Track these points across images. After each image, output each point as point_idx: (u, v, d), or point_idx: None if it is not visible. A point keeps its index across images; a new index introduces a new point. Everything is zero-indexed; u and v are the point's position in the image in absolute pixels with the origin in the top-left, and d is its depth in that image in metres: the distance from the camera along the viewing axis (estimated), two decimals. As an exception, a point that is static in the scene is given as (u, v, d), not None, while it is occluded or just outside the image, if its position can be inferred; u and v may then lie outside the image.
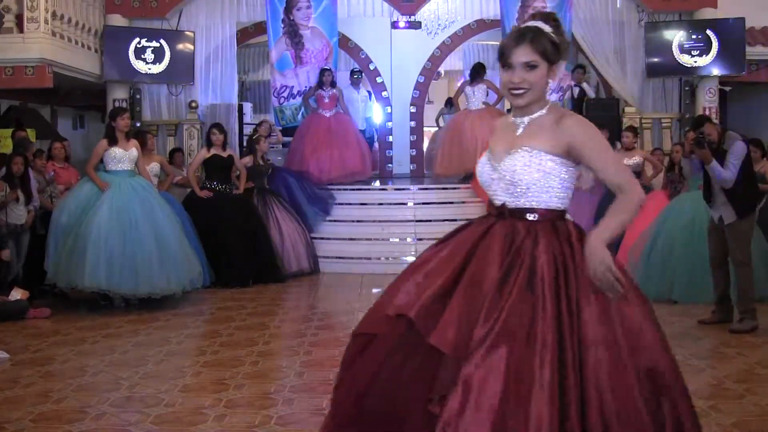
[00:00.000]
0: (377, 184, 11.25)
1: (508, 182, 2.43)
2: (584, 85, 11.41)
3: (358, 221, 10.01)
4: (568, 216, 2.49)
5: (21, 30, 8.70)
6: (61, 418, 4.08)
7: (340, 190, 10.16)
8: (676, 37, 10.40)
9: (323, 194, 9.98)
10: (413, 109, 13.20)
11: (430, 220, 9.81)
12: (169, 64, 10.47)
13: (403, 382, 2.33)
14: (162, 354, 5.51)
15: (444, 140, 10.97)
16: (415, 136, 13.25)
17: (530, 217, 2.41)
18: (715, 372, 4.93)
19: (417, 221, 9.88)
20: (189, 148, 10.52)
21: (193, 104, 10.74)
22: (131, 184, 7.17)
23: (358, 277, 8.81)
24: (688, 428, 2.29)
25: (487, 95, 10.75)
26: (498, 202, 2.48)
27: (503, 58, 2.46)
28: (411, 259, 8.30)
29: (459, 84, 12.99)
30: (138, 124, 10.14)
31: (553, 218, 2.43)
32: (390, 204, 10.43)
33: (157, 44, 10.42)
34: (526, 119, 2.49)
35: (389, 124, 13.12)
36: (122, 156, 7.24)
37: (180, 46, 10.61)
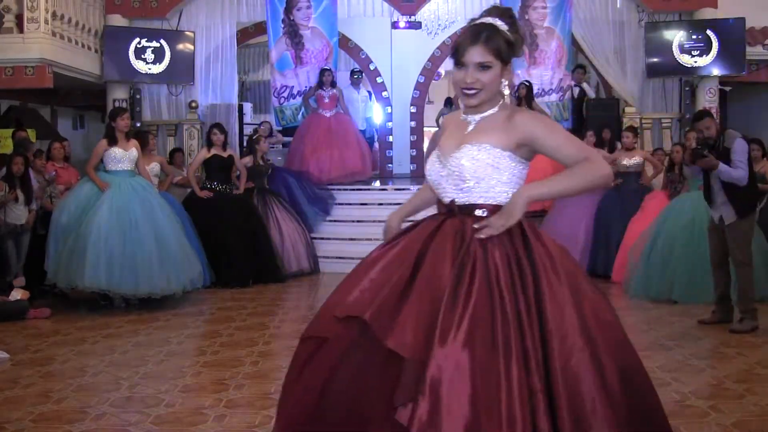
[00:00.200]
0: (377, 184, 11.25)
1: (456, 178, 2.40)
2: (584, 85, 11.41)
3: (358, 221, 10.00)
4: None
5: (21, 30, 8.70)
6: (61, 419, 4.08)
7: (340, 190, 10.17)
8: (676, 37, 10.39)
9: (323, 194, 9.99)
10: (413, 109, 13.20)
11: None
12: (169, 64, 10.47)
13: (363, 382, 2.19)
14: (162, 354, 5.51)
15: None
16: (416, 136, 13.25)
17: (479, 213, 2.38)
18: (715, 372, 4.93)
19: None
20: (189, 149, 10.52)
21: (193, 104, 10.74)
22: (131, 184, 7.17)
23: (358, 278, 8.79)
24: (658, 420, 2.29)
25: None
26: (447, 200, 2.44)
27: (457, 56, 2.42)
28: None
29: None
30: (138, 125, 10.14)
31: None
32: (390, 204, 10.37)
33: (157, 44, 10.43)
34: (477, 117, 2.47)
35: (389, 124, 13.12)
36: (122, 156, 7.23)
37: (180, 46, 10.61)
